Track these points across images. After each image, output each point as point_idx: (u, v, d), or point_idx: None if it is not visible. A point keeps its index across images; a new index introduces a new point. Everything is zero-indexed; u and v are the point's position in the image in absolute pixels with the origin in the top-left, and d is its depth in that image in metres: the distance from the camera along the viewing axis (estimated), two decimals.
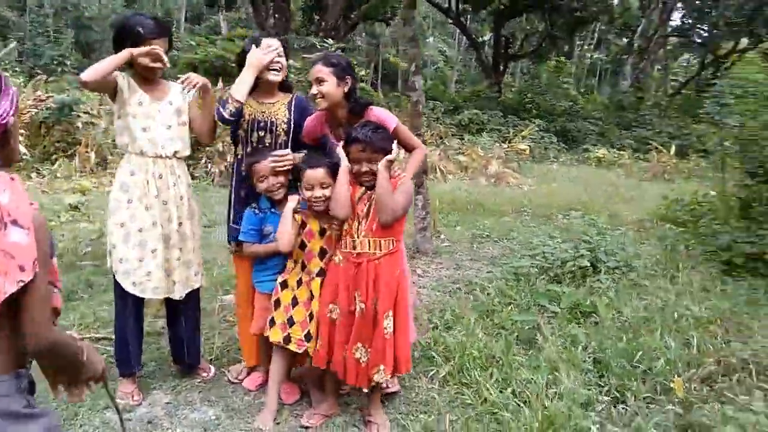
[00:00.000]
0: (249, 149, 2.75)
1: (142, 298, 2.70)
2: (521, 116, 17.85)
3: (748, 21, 18.76)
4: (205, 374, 2.96)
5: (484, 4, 21.59)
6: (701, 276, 4.38)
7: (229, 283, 4.11)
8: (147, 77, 2.67)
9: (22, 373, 1.29)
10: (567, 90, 25.51)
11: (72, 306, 3.72)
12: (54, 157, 9.46)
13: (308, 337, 2.55)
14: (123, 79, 2.62)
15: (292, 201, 2.58)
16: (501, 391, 2.72)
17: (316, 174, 2.48)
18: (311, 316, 2.56)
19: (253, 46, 2.70)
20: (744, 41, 22.51)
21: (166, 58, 2.62)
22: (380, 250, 2.43)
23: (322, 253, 2.57)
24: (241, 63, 2.72)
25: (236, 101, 2.62)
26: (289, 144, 2.77)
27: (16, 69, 17.09)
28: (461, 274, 4.60)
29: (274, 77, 2.74)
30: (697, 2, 22.55)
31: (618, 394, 2.77)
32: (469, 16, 26.84)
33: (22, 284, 1.16)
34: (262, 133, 2.74)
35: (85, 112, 10.02)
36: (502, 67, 24.51)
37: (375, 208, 2.41)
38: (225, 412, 2.63)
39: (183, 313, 2.86)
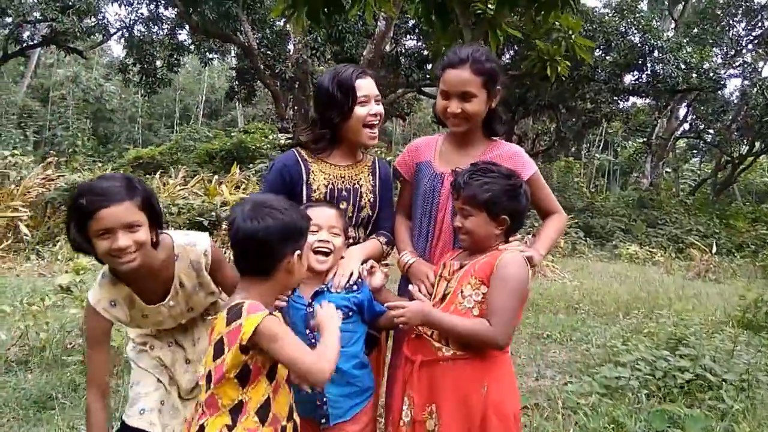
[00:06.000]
0: None
1: None
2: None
3: (760, 125, 18.69)
4: None
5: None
6: None
7: None
8: None
9: None
10: (581, 188, 25.28)
11: (47, 417, 2.85)
12: (57, 238, 8.78)
13: None
14: None
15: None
16: None
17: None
18: None
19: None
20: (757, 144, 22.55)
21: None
22: None
23: None
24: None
25: None
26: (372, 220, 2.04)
27: (28, 148, 16.82)
28: (538, 385, 3.68)
29: (371, 140, 1.97)
30: (702, 108, 22.78)
31: None
32: None
33: None
34: (343, 205, 1.97)
35: None
36: None
37: None
38: None
39: None
